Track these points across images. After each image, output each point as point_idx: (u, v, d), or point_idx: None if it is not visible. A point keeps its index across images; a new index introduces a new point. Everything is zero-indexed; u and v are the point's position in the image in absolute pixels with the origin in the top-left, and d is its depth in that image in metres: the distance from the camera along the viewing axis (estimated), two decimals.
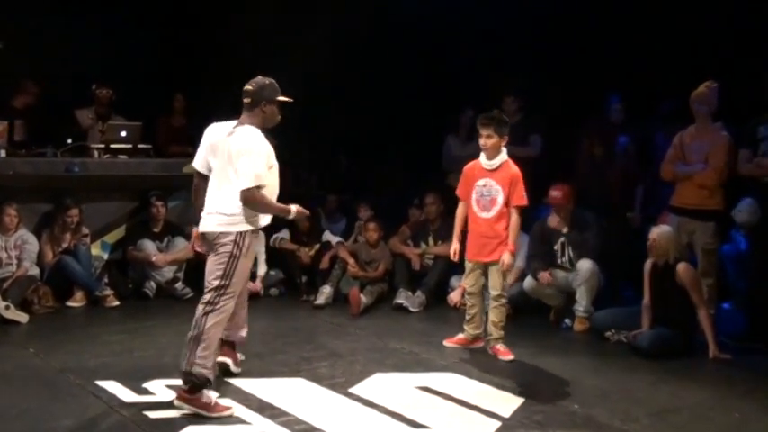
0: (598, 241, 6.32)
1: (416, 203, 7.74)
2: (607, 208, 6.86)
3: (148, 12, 8.79)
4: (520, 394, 4.60)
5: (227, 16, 9.06)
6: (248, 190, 4.12)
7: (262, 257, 7.37)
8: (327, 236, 7.66)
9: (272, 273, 7.45)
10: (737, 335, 5.81)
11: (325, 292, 6.99)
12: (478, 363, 5.26)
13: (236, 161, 4.17)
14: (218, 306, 4.18)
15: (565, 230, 6.38)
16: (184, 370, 4.15)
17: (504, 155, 5.43)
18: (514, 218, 5.38)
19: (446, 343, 5.66)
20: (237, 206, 4.18)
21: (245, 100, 4.33)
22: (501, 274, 5.42)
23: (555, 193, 6.33)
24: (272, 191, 4.33)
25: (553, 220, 6.43)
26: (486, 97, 7.89)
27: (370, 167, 9.50)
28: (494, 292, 5.44)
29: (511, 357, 5.34)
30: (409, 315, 6.73)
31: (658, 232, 5.64)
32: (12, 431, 3.87)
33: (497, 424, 4.15)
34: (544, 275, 6.26)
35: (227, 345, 4.74)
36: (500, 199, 5.38)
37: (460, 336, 5.66)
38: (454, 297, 6.96)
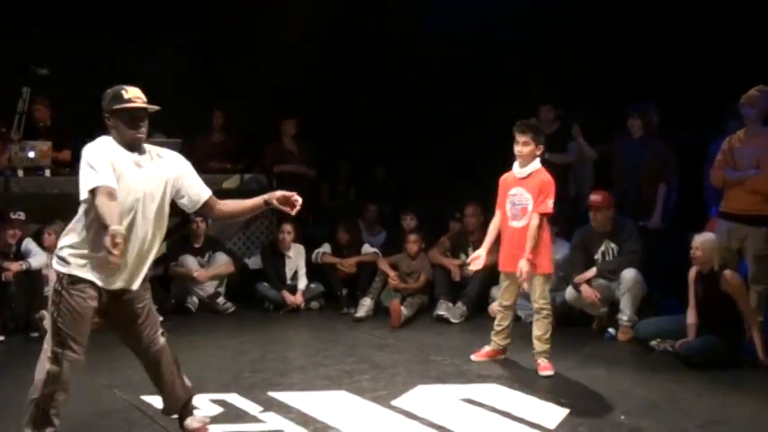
0: (640, 249, 6.25)
1: (457, 216, 7.69)
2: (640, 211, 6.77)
3: (189, 32, 8.91)
4: (564, 405, 4.54)
5: (265, 33, 9.16)
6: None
7: (302, 271, 7.42)
8: (367, 249, 7.68)
9: (313, 286, 7.48)
10: None
11: (366, 304, 6.99)
12: (521, 374, 5.22)
13: None
14: None
15: (607, 238, 6.33)
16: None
17: (536, 163, 5.27)
18: (533, 224, 5.15)
19: (474, 358, 5.55)
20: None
21: None
22: (542, 286, 5.27)
23: (594, 197, 6.31)
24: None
25: (594, 228, 6.38)
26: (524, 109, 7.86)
27: (407, 179, 9.51)
28: (535, 305, 5.29)
29: (550, 373, 5.17)
30: (450, 326, 6.71)
31: (701, 240, 5.53)
32: None
33: None
34: (588, 291, 6.18)
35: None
36: (530, 207, 5.21)
37: (488, 348, 5.58)
38: (495, 308, 6.90)
